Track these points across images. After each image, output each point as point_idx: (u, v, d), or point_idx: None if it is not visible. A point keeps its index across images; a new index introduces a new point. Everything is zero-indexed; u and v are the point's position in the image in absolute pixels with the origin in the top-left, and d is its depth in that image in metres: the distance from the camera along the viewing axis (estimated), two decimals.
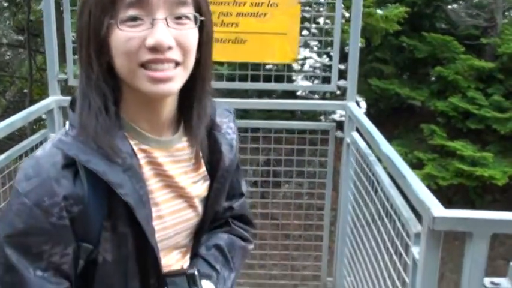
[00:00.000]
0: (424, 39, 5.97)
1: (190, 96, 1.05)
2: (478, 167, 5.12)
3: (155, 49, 0.92)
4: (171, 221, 1.08)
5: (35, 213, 0.93)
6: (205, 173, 1.13)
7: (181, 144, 1.08)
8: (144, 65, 0.94)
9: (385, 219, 1.93)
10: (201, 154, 1.12)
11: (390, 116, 6.70)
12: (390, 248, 1.86)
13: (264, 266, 3.55)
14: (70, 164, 0.95)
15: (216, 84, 3.45)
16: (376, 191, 2.10)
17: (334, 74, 2.89)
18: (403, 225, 1.65)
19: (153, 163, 1.03)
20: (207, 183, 1.14)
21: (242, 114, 5.54)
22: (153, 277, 1.05)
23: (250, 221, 1.32)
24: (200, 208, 1.13)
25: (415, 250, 1.41)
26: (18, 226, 0.94)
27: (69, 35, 2.81)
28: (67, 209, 0.94)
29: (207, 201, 1.14)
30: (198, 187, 1.12)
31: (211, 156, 1.13)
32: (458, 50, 5.79)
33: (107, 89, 0.97)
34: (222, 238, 1.25)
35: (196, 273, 1.07)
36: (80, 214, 0.95)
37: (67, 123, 1.01)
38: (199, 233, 1.18)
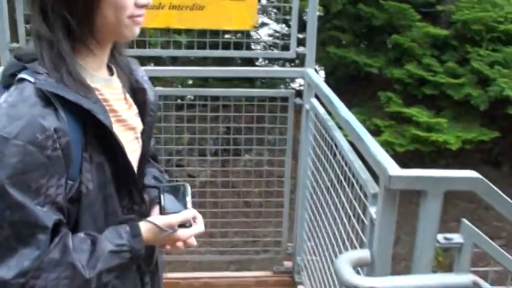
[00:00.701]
0: (381, 7, 6.01)
1: (118, 43, 1.26)
2: (433, 133, 5.25)
3: (144, 5, 1.15)
4: (126, 150, 1.21)
5: (30, 150, 1.01)
6: (136, 109, 1.31)
7: (117, 84, 1.26)
8: (131, 16, 1.14)
9: (344, 183, 1.97)
10: (127, 95, 1.29)
11: (348, 85, 6.77)
12: (349, 211, 1.90)
13: (226, 235, 3.58)
14: (48, 103, 1.06)
15: (174, 52, 3.43)
16: (334, 155, 2.14)
17: (293, 41, 2.89)
18: (360, 187, 1.69)
19: (104, 100, 1.17)
20: (139, 119, 1.32)
21: (201, 83, 5.51)
22: (126, 198, 1.23)
23: (157, 161, 1.58)
24: (140, 140, 1.32)
25: (373, 210, 1.45)
26: (17, 166, 1.01)
27: (20, 3, 2.73)
28: (58, 141, 1.04)
29: (143, 133, 1.32)
30: (137, 121, 1.30)
31: (135, 96, 1.32)
32: (414, 17, 5.86)
33: (74, 38, 1.11)
34: (154, 171, 1.48)
35: (188, 186, 1.29)
36: (67, 146, 1.06)
37: (24, 75, 1.09)
38: (141, 166, 1.34)
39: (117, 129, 1.19)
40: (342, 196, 2.02)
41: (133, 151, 1.27)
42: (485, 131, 5.52)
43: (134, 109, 1.30)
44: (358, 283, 1.17)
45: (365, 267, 1.46)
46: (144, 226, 1.21)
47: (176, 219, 1.24)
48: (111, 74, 1.25)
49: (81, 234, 1.14)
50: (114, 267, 1.15)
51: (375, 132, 5.48)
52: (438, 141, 5.16)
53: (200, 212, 3.53)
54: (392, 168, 1.27)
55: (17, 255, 1.03)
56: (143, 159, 1.33)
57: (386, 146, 5.19)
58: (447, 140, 5.14)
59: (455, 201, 5.50)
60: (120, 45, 1.28)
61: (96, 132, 1.12)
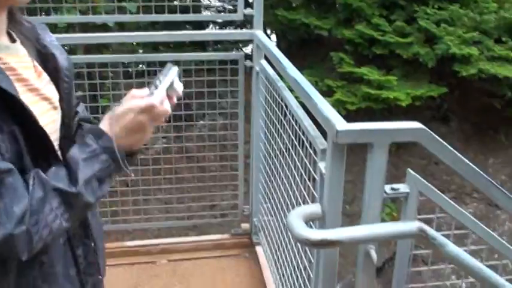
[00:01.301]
0: None
1: (13, 8, 1.18)
2: (383, 90, 5.33)
3: None
4: (41, 122, 1.14)
5: None
6: (48, 77, 1.24)
7: (23, 52, 1.19)
8: None
9: (295, 142, 1.99)
10: (35, 62, 1.21)
11: (300, 48, 6.77)
12: (301, 169, 1.93)
13: (183, 201, 3.58)
14: None
15: (119, 18, 3.32)
16: (285, 116, 2.15)
17: (240, 2, 2.86)
18: (310, 144, 1.71)
19: (9, 69, 1.11)
20: (53, 87, 1.24)
21: (152, 50, 5.40)
22: (46, 171, 1.14)
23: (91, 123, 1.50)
24: (59, 109, 1.25)
25: (322, 165, 1.47)
26: None
27: None
28: None
29: (61, 101, 1.25)
30: (50, 89, 1.23)
31: (45, 63, 1.25)
32: None
33: None
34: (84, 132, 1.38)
35: (170, 65, 1.27)
36: None
37: None
38: (67, 136, 1.27)
39: (30, 99, 1.13)
40: (294, 155, 2.04)
41: (52, 121, 1.21)
42: (434, 87, 5.65)
43: (45, 77, 1.23)
44: (309, 236, 1.20)
45: (317, 222, 1.49)
46: (103, 123, 1.17)
47: (126, 97, 1.19)
48: (13, 41, 1.18)
49: (52, 167, 1.11)
50: (100, 173, 1.12)
51: (328, 93, 5.52)
52: (389, 98, 5.26)
53: (155, 180, 3.47)
54: (340, 123, 1.29)
55: (1, 210, 0.99)
56: (67, 130, 1.28)
57: (338, 105, 5.26)
58: (397, 97, 5.25)
59: (407, 157, 5.65)
60: (15, 10, 1.20)
61: (2, 102, 1.04)
